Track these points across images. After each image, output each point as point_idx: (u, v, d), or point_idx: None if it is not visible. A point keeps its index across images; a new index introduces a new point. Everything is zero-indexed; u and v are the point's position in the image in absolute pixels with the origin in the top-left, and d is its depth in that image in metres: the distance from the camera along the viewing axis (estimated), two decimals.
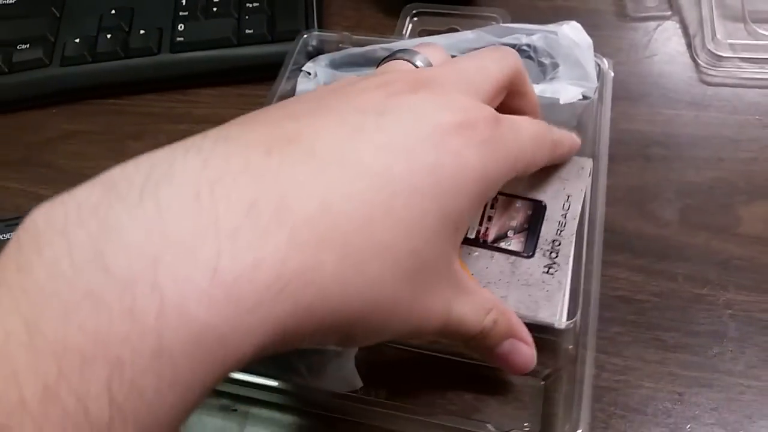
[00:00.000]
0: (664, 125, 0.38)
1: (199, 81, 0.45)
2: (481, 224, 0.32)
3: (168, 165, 0.18)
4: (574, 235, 0.30)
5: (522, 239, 0.31)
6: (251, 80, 0.45)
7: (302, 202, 0.18)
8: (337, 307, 0.18)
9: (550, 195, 0.32)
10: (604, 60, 0.38)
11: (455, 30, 0.41)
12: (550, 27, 0.38)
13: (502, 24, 0.40)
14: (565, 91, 0.36)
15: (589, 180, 0.32)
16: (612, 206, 0.33)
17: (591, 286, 0.29)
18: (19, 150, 0.44)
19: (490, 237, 0.31)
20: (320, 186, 0.18)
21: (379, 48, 0.41)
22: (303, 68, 0.42)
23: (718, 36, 0.39)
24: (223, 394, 0.30)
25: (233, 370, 0.17)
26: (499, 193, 0.32)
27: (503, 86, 0.26)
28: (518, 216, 0.32)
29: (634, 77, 0.40)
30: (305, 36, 0.42)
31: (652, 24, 0.43)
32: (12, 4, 0.49)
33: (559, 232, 0.31)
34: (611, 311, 0.31)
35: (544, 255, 0.30)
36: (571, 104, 0.36)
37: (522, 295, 0.29)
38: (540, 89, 0.36)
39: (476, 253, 0.31)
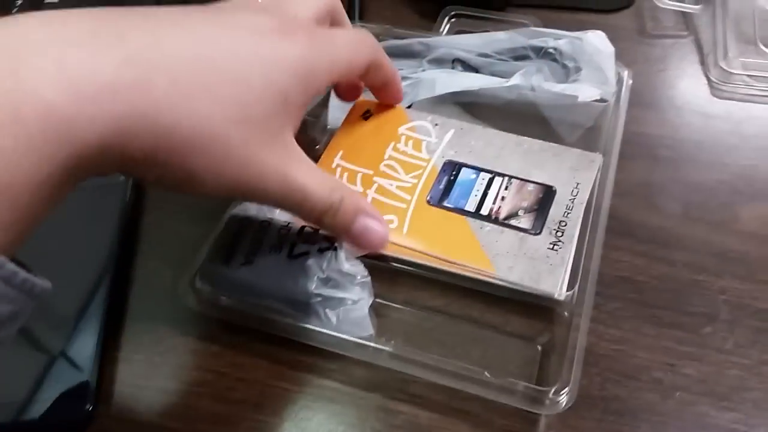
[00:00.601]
0: (674, 131, 0.41)
1: None
2: (494, 203, 0.34)
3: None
4: (580, 218, 0.33)
5: (531, 218, 0.33)
6: None
7: (137, 35, 0.23)
8: (170, 126, 0.23)
9: (561, 182, 0.35)
10: (624, 68, 0.41)
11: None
12: (577, 33, 0.41)
13: (532, 28, 0.43)
14: (585, 90, 0.39)
15: (598, 173, 0.35)
16: (620, 198, 0.36)
17: (591, 264, 0.32)
18: None
19: (502, 215, 0.34)
20: (154, 29, 0.24)
21: (416, 42, 0.44)
22: None
23: (730, 55, 0.42)
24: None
25: (84, 158, 0.21)
26: (514, 177, 0.35)
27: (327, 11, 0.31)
28: (530, 198, 0.34)
29: (649, 87, 0.43)
30: None
31: (669, 41, 0.46)
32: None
33: (566, 214, 0.33)
34: (613, 289, 0.34)
35: (550, 233, 0.33)
36: (589, 105, 0.39)
37: (527, 267, 0.32)
38: (561, 87, 0.39)
39: (488, 228, 0.33)
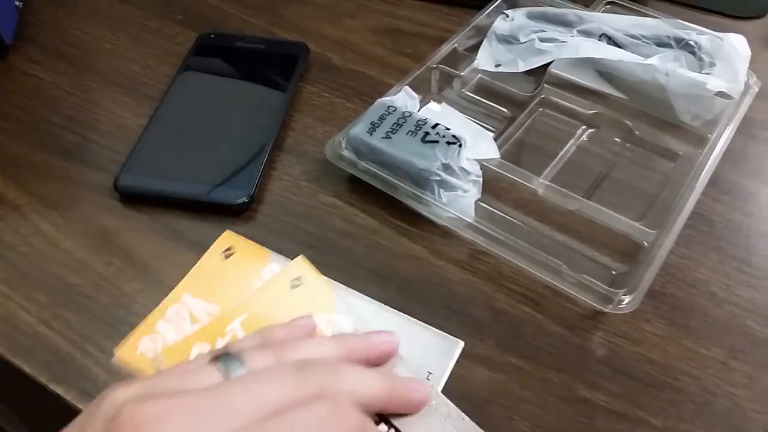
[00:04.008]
0: None
1: None
2: None
3: None
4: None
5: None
6: (457, 4, 0.54)
7: None
8: None
9: (411, 369, 0.31)
10: (754, 75, 0.44)
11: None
12: (719, 33, 0.45)
13: (679, 20, 0.47)
14: (714, 81, 0.43)
15: (453, 361, 0.32)
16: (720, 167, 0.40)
17: (684, 206, 0.37)
18: (262, 0, 0.55)
19: None
20: None
21: (571, 13, 0.49)
22: (505, 11, 0.51)
23: None
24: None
25: None
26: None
27: None
28: None
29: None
30: None
31: None
32: None
33: None
34: (689, 220, 0.37)
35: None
36: (713, 99, 0.43)
37: None
38: (694, 75, 0.43)
39: None
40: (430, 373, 0.32)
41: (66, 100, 0.46)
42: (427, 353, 0.32)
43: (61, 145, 0.43)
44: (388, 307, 0.34)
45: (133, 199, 0.39)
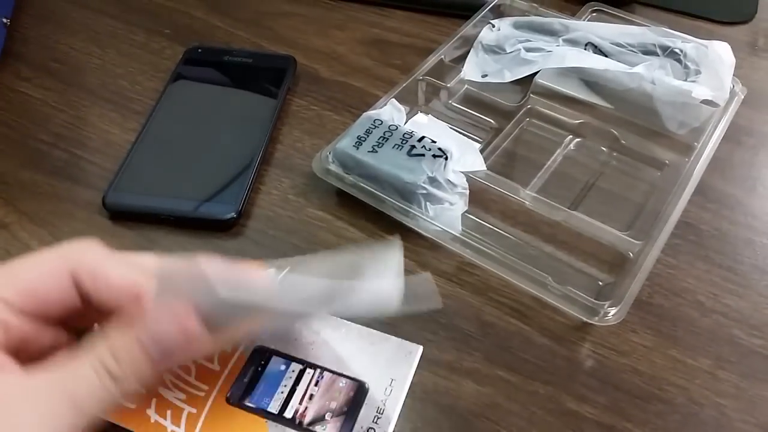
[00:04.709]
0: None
1: (395, 3, 0.56)
2: (301, 403, 0.30)
3: None
4: (392, 425, 0.30)
5: (338, 424, 0.30)
6: (444, 14, 0.55)
7: None
8: None
9: (375, 376, 0.31)
10: (739, 82, 0.45)
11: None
12: (704, 41, 0.45)
13: (664, 28, 0.47)
14: (700, 89, 0.43)
15: (414, 366, 0.32)
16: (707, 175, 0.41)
17: (671, 215, 0.37)
18: (249, 13, 0.55)
19: (307, 418, 0.30)
20: None
21: (557, 22, 0.49)
22: (491, 21, 0.51)
23: None
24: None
25: None
26: (327, 369, 0.32)
27: None
28: (339, 397, 0.31)
29: (755, 97, 0.46)
30: None
31: None
32: None
33: (376, 419, 0.30)
34: (676, 229, 0.38)
35: None
36: (699, 107, 0.43)
37: None
38: (679, 83, 0.44)
39: None
40: (393, 379, 0.31)
41: (54, 116, 0.46)
42: (389, 360, 0.32)
43: (49, 162, 0.43)
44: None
45: (122, 216, 0.40)
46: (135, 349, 0.24)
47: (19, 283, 0.25)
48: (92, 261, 0.26)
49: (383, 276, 0.28)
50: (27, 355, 0.25)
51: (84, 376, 0.23)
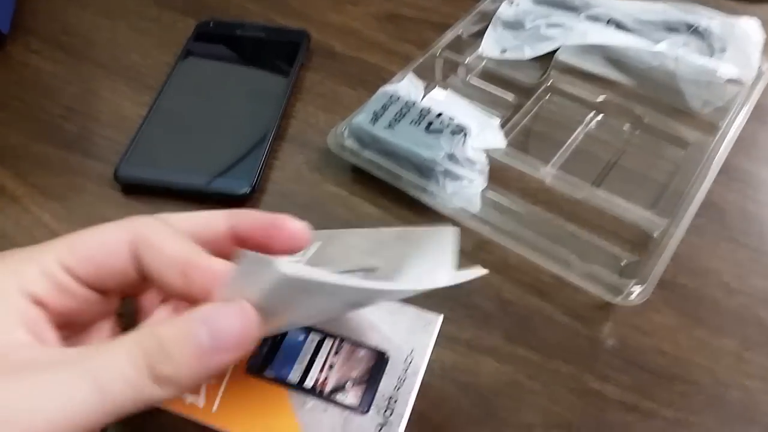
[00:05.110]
0: None
1: None
2: (321, 371, 0.30)
3: None
4: (413, 393, 0.29)
5: (360, 392, 0.29)
6: None
7: None
8: None
9: (395, 346, 0.31)
10: (767, 60, 0.43)
11: None
12: (731, 17, 0.44)
13: (689, 4, 0.46)
14: (725, 67, 0.42)
15: (434, 336, 0.31)
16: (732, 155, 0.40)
17: (695, 195, 0.36)
18: None
19: (328, 387, 0.30)
20: None
21: None
22: None
23: None
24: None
25: None
26: (346, 339, 0.31)
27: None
28: (360, 366, 0.30)
29: None
30: None
31: None
32: None
33: (397, 388, 0.29)
34: (702, 209, 0.36)
35: (378, 412, 0.29)
36: (724, 86, 0.42)
37: None
38: (704, 61, 0.42)
39: (311, 404, 0.29)
40: (413, 349, 0.30)
41: (65, 89, 0.45)
42: (408, 330, 0.31)
43: (60, 135, 0.42)
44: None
45: (134, 189, 0.39)
46: (186, 343, 0.22)
47: (82, 251, 0.25)
48: (151, 234, 0.25)
49: (435, 266, 0.27)
50: (75, 325, 0.25)
51: (118, 364, 0.21)
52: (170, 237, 0.25)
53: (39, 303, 0.23)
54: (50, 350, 0.23)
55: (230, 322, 0.22)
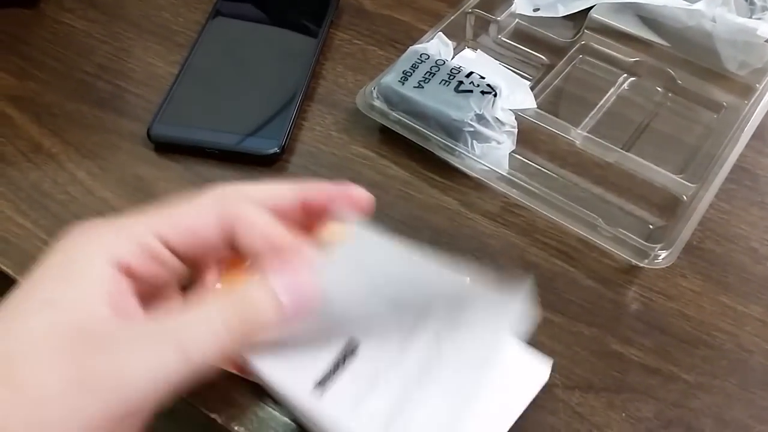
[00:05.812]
0: None
1: None
2: None
3: None
4: None
5: None
6: None
7: None
8: None
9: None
10: None
11: None
12: None
13: None
14: (765, 27, 0.40)
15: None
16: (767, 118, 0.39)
17: (726, 159, 0.35)
18: None
19: None
20: None
21: None
22: None
23: None
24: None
25: None
26: None
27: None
28: None
29: None
30: None
31: None
32: None
33: None
34: (732, 174, 0.36)
35: None
36: (764, 46, 0.41)
37: None
38: (743, 20, 0.41)
39: None
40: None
41: (98, 48, 0.46)
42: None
43: (94, 93, 0.43)
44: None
45: (167, 148, 0.40)
46: (266, 299, 0.24)
47: (178, 223, 0.26)
48: (242, 213, 0.26)
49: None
50: (152, 292, 0.26)
51: (211, 328, 0.23)
52: (260, 217, 0.26)
53: (128, 271, 0.24)
54: (134, 322, 0.24)
55: (307, 289, 0.25)
